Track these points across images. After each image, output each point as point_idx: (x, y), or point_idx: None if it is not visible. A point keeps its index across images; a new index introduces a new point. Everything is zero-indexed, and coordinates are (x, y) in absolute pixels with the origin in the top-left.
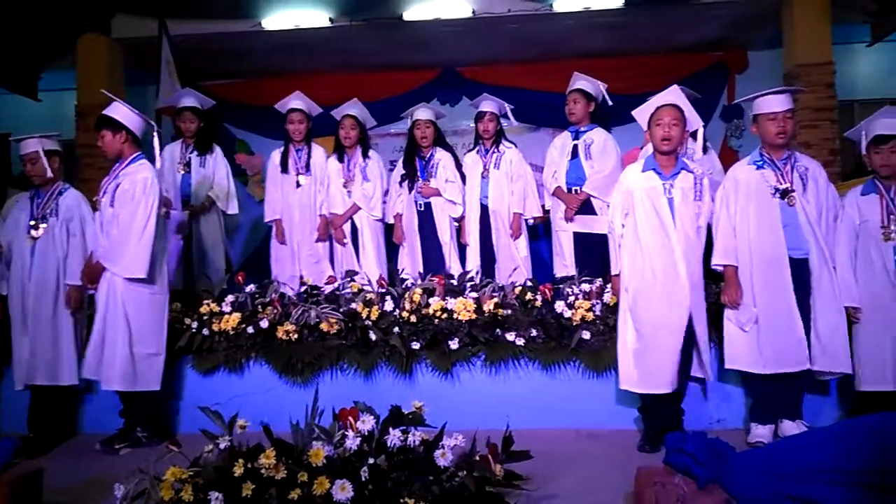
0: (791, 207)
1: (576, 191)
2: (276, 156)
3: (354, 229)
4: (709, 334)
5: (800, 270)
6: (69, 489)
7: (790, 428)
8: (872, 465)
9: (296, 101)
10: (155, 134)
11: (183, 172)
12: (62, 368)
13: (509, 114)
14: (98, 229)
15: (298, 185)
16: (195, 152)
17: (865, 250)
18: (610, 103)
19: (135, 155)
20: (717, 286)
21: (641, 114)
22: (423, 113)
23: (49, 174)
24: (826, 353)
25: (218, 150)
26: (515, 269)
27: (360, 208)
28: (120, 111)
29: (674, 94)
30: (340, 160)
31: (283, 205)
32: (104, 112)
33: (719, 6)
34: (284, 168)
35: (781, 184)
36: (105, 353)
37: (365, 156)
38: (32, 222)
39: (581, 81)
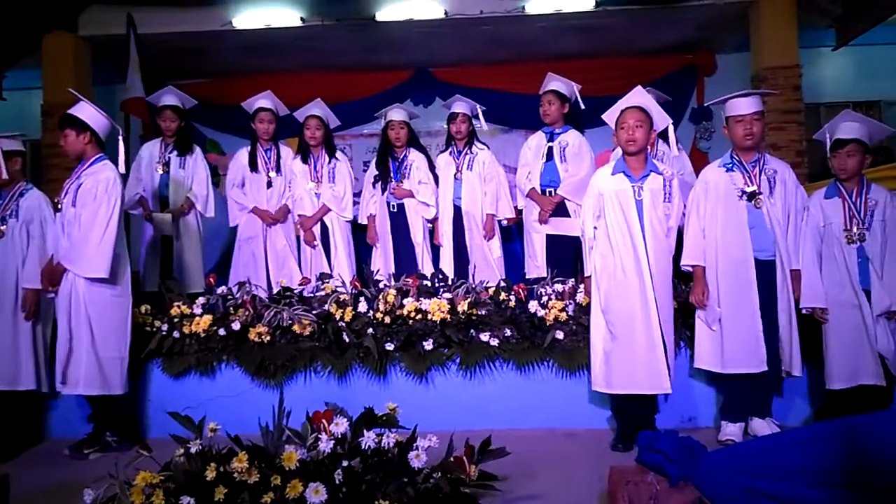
0: (758, 210)
1: (550, 193)
2: (242, 155)
3: (324, 231)
4: (679, 335)
5: (766, 272)
6: (37, 495)
7: (760, 426)
8: (845, 466)
9: (264, 100)
10: (120, 138)
11: (161, 172)
12: (21, 373)
13: (480, 116)
14: (59, 230)
15: (270, 184)
16: (175, 152)
17: (829, 252)
18: (582, 107)
19: (97, 156)
20: (687, 286)
21: (610, 117)
22: (396, 114)
23: (4, 175)
24: (785, 353)
25: (198, 151)
26: (480, 269)
27: (329, 210)
28: (85, 111)
29: (637, 96)
30: (305, 161)
31: (260, 202)
32: (69, 111)
33: (688, 10)
34: (254, 167)
35: (748, 186)
36: (68, 356)
37: (332, 156)
38: None
39: (555, 82)
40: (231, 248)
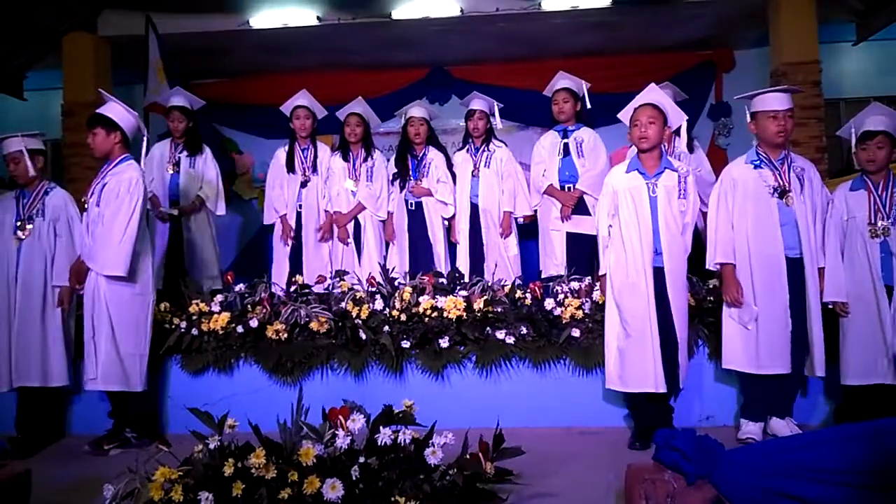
0: (788, 207)
1: (569, 188)
2: (280, 155)
3: (357, 229)
4: (696, 333)
5: (796, 270)
6: (58, 490)
7: (779, 425)
8: (873, 467)
9: (301, 99)
10: (144, 138)
11: (172, 172)
12: (52, 369)
13: (496, 114)
14: (84, 229)
15: (305, 184)
16: (185, 152)
17: (852, 246)
18: (588, 106)
19: (123, 156)
20: (704, 284)
21: (625, 115)
22: (417, 111)
23: (31, 174)
24: (811, 353)
25: (208, 150)
26: (497, 266)
27: (364, 207)
28: (116, 110)
29: (651, 93)
30: (345, 159)
31: (291, 204)
32: (100, 111)
33: (706, 5)
34: (291, 168)
35: (779, 183)
36: (91, 352)
37: (369, 155)
38: (19, 223)
39: (565, 80)
40: (249, 245)
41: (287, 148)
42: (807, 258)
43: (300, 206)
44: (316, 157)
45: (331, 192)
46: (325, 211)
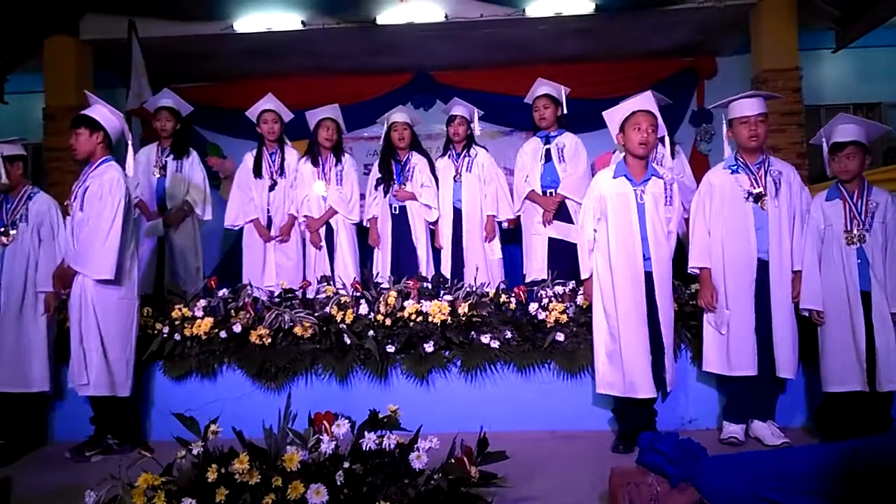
0: (763, 211)
1: (551, 193)
2: (248, 160)
3: (329, 233)
4: (679, 337)
5: (765, 273)
6: (39, 497)
7: (761, 428)
8: (844, 485)
9: (267, 103)
10: (129, 142)
11: (158, 176)
12: (33, 375)
13: (476, 120)
14: (69, 234)
15: (272, 188)
16: (171, 156)
17: (829, 254)
18: (565, 111)
19: (105, 157)
20: (687, 288)
21: (613, 116)
22: (400, 116)
23: (4, 180)
24: (778, 355)
25: (194, 154)
26: (480, 270)
27: (336, 212)
28: (101, 112)
29: (650, 101)
30: (315, 164)
31: (260, 208)
32: (85, 112)
33: (688, 13)
34: (258, 172)
35: (754, 188)
36: (79, 358)
37: (339, 159)
38: (2, 228)
39: (545, 87)
40: (232, 250)
41: (255, 152)
42: (773, 260)
43: (269, 211)
44: (283, 160)
45: (298, 196)
46: (290, 214)
